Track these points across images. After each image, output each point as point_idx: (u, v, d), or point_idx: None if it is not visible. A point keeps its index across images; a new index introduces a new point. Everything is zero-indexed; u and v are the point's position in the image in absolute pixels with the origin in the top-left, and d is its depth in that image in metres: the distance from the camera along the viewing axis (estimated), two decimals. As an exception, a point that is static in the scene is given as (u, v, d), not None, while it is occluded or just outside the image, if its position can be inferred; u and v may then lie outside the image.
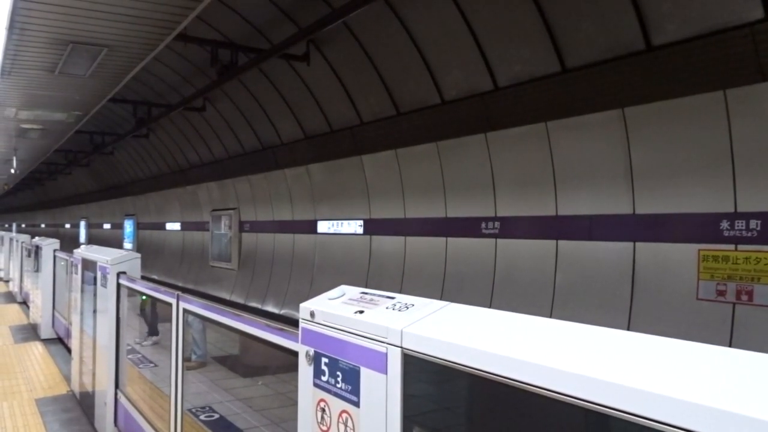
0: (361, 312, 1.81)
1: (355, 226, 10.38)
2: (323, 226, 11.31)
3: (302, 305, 2.05)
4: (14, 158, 17.49)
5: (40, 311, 10.59)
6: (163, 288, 4.38)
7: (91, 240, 28.03)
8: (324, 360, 1.91)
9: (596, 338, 1.31)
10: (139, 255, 5.52)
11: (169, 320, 3.94)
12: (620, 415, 1.05)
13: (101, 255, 5.76)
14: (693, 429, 0.95)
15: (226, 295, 14.33)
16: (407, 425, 1.59)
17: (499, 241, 7.54)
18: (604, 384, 1.09)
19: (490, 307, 5.82)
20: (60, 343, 9.72)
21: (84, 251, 6.63)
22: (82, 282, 6.60)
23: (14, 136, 14.42)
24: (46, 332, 10.23)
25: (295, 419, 2.06)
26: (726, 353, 1.12)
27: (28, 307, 13.24)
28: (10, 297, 15.90)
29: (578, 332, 1.37)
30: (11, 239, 17.74)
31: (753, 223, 5.08)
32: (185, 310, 3.75)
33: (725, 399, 0.94)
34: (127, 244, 22.73)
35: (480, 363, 1.35)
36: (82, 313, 6.59)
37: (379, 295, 1.93)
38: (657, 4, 5.47)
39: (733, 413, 0.91)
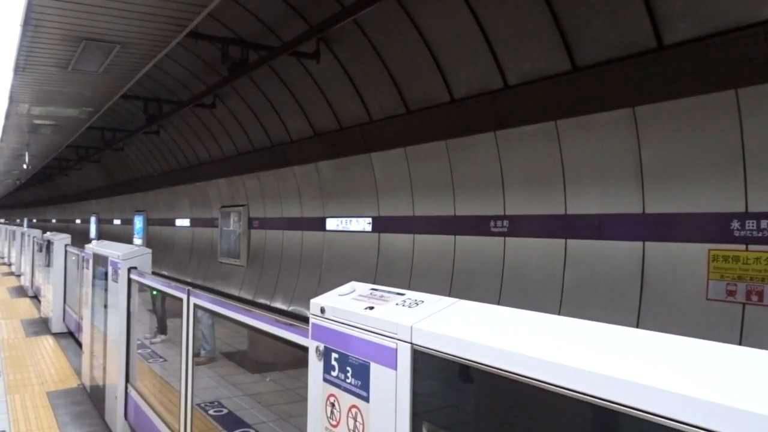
0: (371, 308, 1.83)
1: (363, 224, 10.40)
2: (332, 224, 11.34)
3: (312, 301, 2.06)
4: (26, 153, 17.64)
5: (51, 305, 10.69)
6: (173, 283, 4.42)
7: (102, 235, 28.23)
8: (334, 355, 1.92)
9: (607, 335, 1.32)
10: (149, 251, 5.57)
11: (178, 316, 3.98)
12: (632, 412, 1.06)
13: (112, 250, 5.81)
14: (706, 426, 0.95)
15: (234, 292, 14.40)
16: (416, 421, 1.61)
17: (508, 239, 7.53)
18: (615, 381, 1.09)
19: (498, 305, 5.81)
20: (71, 337, 9.82)
21: (95, 246, 6.69)
22: (93, 277, 6.66)
23: (27, 132, 14.55)
24: (57, 326, 10.33)
25: (303, 415, 2.08)
26: (738, 351, 1.12)
27: (39, 301, 13.37)
28: (21, 291, 16.05)
29: (588, 329, 1.37)
30: (23, 234, 17.90)
31: (764, 223, 5.05)
32: (196, 306, 3.78)
33: (737, 396, 0.95)
34: (137, 240, 22.87)
35: (490, 359, 1.36)
36: (92, 308, 6.66)
37: (389, 292, 1.94)
38: (669, 2, 5.44)
39: (745, 410, 0.91)
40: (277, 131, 12.58)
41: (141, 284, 5.31)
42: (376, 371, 1.72)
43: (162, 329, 7.19)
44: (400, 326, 1.65)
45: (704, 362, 1.10)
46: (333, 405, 1.91)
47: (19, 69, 8.63)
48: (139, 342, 5.76)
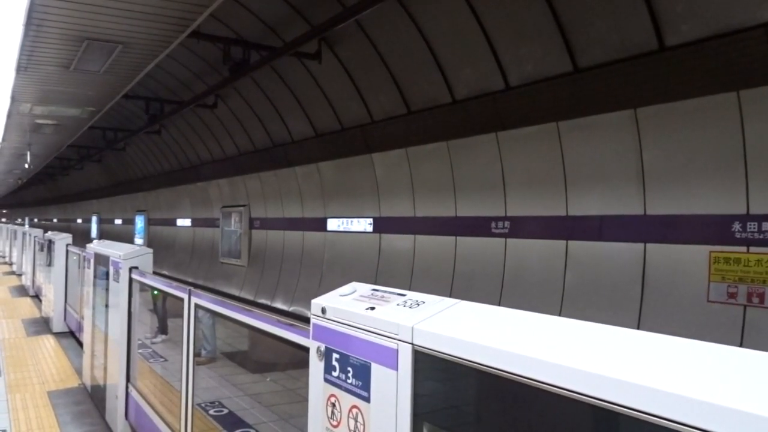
0: (373, 309, 1.83)
1: (364, 224, 10.40)
2: (333, 224, 11.34)
3: (314, 301, 2.06)
4: (28, 153, 17.65)
5: (52, 305, 10.70)
6: (174, 283, 4.42)
7: (103, 235, 28.26)
8: (335, 356, 1.92)
9: (607, 337, 1.32)
10: (151, 250, 5.57)
11: (179, 316, 3.98)
12: (632, 414, 1.06)
13: (114, 250, 5.81)
14: (706, 428, 0.95)
15: (235, 292, 14.40)
16: (417, 422, 1.61)
17: (509, 240, 7.53)
18: (616, 382, 1.10)
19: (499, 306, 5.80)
20: (71, 336, 9.82)
21: (97, 246, 6.70)
22: (95, 276, 6.67)
23: (29, 131, 14.57)
24: (57, 326, 10.33)
25: (303, 415, 2.08)
26: (739, 353, 1.12)
27: (40, 300, 13.37)
28: (22, 290, 16.06)
29: (589, 331, 1.37)
30: (24, 233, 17.92)
31: (765, 225, 5.05)
32: (197, 306, 3.78)
33: (737, 398, 0.95)
34: (138, 240, 22.88)
35: (491, 360, 1.36)
36: (94, 308, 6.66)
37: (390, 292, 1.94)
38: (670, 3, 5.44)
39: (745, 412, 0.91)
40: (278, 131, 12.59)
41: (142, 284, 5.31)
42: (377, 372, 1.72)
43: (163, 329, 7.19)
44: (401, 327, 1.65)
45: (705, 364, 1.10)
46: (334, 405, 1.91)
47: (21, 69, 8.65)
48: (140, 342, 5.76)
